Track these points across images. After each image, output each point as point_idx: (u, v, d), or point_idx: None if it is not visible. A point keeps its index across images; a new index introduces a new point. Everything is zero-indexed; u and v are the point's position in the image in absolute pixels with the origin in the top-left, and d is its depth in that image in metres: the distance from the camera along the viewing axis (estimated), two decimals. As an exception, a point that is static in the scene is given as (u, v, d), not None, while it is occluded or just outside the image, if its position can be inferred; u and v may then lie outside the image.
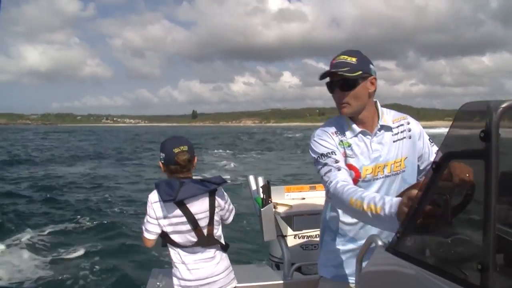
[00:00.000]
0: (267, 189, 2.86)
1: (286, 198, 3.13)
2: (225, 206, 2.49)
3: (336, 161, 1.88)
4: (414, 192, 1.33)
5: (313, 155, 1.97)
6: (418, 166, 2.09)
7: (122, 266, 7.21)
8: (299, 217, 2.98)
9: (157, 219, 2.34)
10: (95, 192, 15.06)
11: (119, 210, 11.85)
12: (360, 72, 1.92)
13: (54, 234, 9.33)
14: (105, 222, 10.25)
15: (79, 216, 10.76)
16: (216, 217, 2.41)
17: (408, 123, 2.07)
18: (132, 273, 6.95)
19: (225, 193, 2.51)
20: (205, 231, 2.36)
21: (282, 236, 2.98)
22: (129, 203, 12.83)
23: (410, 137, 2.05)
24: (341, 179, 1.80)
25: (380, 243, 1.42)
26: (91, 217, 10.71)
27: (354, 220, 1.97)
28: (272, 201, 2.89)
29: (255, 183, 2.98)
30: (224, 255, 2.47)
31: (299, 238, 3.04)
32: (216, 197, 2.41)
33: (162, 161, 2.38)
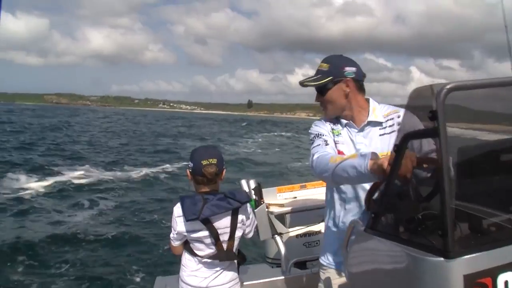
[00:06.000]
0: (258, 190, 2.97)
1: (279, 199, 3.22)
2: (248, 222, 2.50)
3: (325, 141, 2.09)
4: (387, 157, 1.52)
5: (310, 137, 2.18)
6: None
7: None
8: (291, 215, 3.09)
9: (181, 233, 2.37)
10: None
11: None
12: (330, 78, 2.09)
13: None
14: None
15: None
16: (237, 233, 2.42)
17: (399, 117, 2.09)
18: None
19: (248, 209, 2.51)
20: (225, 246, 2.37)
21: (278, 234, 3.06)
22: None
23: (399, 131, 2.02)
24: (325, 151, 2.01)
25: (359, 226, 1.56)
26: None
27: (343, 208, 2.17)
28: (265, 201, 2.98)
29: (247, 186, 3.04)
30: (234, 266, 2.49)
31: (294, 235, 3.11)
32: (239, 214, 2.40)
33: (190, 170, 2.37)
